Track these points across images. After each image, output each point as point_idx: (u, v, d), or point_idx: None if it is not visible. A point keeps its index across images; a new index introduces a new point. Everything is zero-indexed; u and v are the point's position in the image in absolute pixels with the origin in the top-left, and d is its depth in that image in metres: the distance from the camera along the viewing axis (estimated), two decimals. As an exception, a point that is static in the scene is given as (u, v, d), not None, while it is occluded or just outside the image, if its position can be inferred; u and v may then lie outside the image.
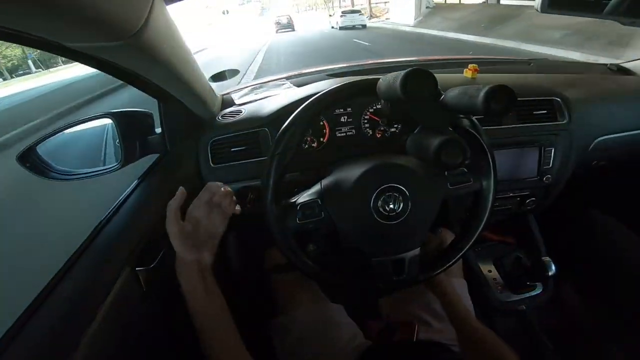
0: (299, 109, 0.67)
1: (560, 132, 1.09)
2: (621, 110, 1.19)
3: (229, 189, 0.74)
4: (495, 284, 1.16)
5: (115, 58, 0.56)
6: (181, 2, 0.64)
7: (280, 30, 23.25)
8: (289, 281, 0.96)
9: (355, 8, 23.87)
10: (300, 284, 0.95)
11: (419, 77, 0.53)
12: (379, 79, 0.62)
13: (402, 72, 0.53)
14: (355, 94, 0.67)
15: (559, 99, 1.10)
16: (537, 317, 1.16)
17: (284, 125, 0.68)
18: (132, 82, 0.70)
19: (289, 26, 23.65)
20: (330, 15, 23.98)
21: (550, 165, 1.11)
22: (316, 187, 0.72)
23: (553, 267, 0.96)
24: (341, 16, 19.82)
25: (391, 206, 0.66)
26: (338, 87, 0.67)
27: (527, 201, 1.16)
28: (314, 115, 0.67)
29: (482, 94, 0.49)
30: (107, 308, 0.56)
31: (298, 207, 0.68)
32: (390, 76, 0.57)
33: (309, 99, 0.68)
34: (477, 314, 0.95)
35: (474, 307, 0.94)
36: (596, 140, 1.16)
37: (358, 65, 1.45)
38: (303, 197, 0.70)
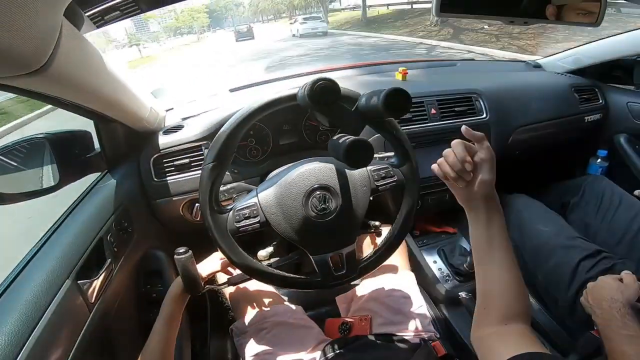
0: (227, 123, 0.70)
1: (481, 126, 1.17)
2: (537, 102, 1.31)
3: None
4: (441, 274, 1.20)
5: (33, 87, 0.57)
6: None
7: (239, 39, 22.80)
8: (245, 289, 0.96)
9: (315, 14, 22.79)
10: (257, 288, 0.96)
11: (323, 85, 0.57)
12: (297, 89, 0.65)
13: (309, 81, 0.58)
14: (279, 104, 0.70)
15: (477, 95, 1.19)
16: None
17: (215, 137, 0.70)
18: (60, 106, 0.70)
19: (249, 34, 23.21)
20: (291, 23, 22.64)
21: None
22: (252, 193, 0.74)
23: None
24: (302, 23, 18.85)
25: (322, 205, 0.71)
26: (261, 100, 0.70)
27: None
28: (240, 128, 0.70)
29: (380, 98, 0.55)
30: (48, 318, 0.55)
31: (235, 212, 0.70)
32: (303, 85, 0.62)
33: (230, 120, 0.71)
34: (429, 306, 1.00)
35: (426, 299, 0.98)
36: (515, 131, 1.26)
37: (297, 74, 1.50)
38: (240, 202, 0.72)
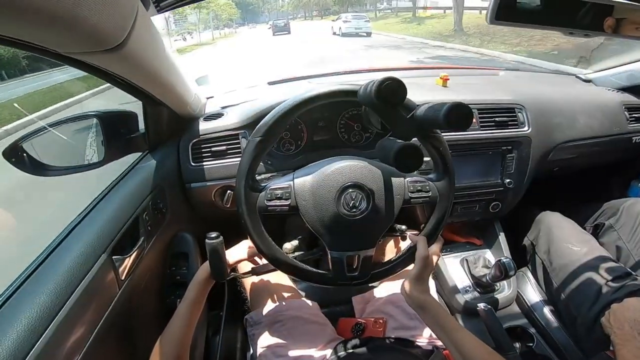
0: (284, 103, 0.70)
1: (521, 139, 1.12)
2: (583, 117, 1.24)
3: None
4: (462, 284, 1.18)
5: (103, 64, 0.60)
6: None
7: (277, 33, 23.03)
8: (264, 280, 0.97)
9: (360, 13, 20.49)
10: (276, 281, 0.97)
11: (391, 85, 0.57)
12: (361, 85, 0.65)
13: (378, 79, 0.58)
14: (338, 96, 0.70)
15: (521, 107, 1.13)
16: (502, 317, 1.16)
17: (269, 114, 0.70)
18: (118, 85, 0.72)
19: (285, 29, 23.45)
20: (333, 20, 20.89)
21: (512, 171, 1.14)
22: (289, 176, 0.74)
23: (513, 267, 0.99)
24: (345, 21, 17.56)
25: (354, 203, 0.70)
26: (324, 88, 0.70)
27: (492, 204, 1.20)
28: (295, 110, 0.70)
29: (443, 110, 0.54)
30: (83, 289, 0.57)
31: (268, 189, 0.71)
32: (369, 82, 0.61)
33: (288, 100, 0.71)
34: None
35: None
36: (557, 147, 1.20)
37: (336, 72, 1.48)
38: (276, 182, 0.73)
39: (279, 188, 0.71)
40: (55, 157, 0.84)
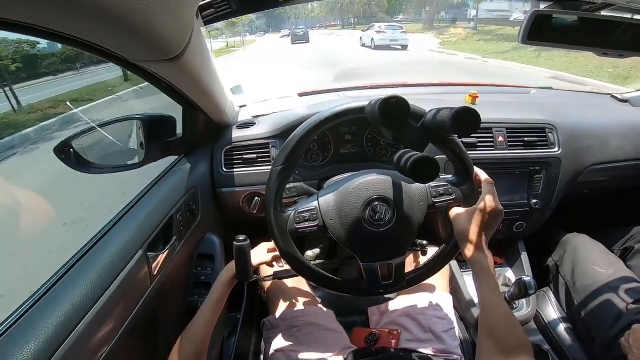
0: (297, 129, 0.72)
1: (551, 160, 1.09)
2: (617, 140, 1.18)
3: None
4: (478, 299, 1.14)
5: (160, 72, 0.64)
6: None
7: (296, 42, 22.06)
8: (284, 286, 0.98)
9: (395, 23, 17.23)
10: (295, 287, 0.98)
11: (394, 104, 0.58)
12: (367, 103, 0.66)
13: (380, 98, 0.58)
14: (348, 114, 0.70)
15: (552, 127, 1.09)
16: None
17: (285, 143, 0.72)
18: (165, 91, 0.77)
19: (304, 38, 22.63)
20: (363, 31, 17.80)
21: (539, 192, 1.11)
22: (313, 197, 0.75)
23: (534, 286, 0.96)
24: (378, 32, 15.03)
25: (379, 215, 0.70)
26: (333, 109, 0.71)
27: (516, 224, 1.16)
28: (310, 134, 0.71)
29: (449, 115, 0.55)
30: (120, 282, 0.60)
31: (296, 214, 0.72)
32: (373, 100, 0.62)
33: (301, 126, 0.72)
34: (460, 329, 0.96)
35: (458, 323, 0.94)
36: (588, 169, 1.15)
37: (367, 87, 1.49)
38: (301, 205, 0.74)
39: (306, 210, 0.72)
40: (99, 156, 0.88)
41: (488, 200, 0.68)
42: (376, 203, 0.71)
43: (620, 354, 0.83)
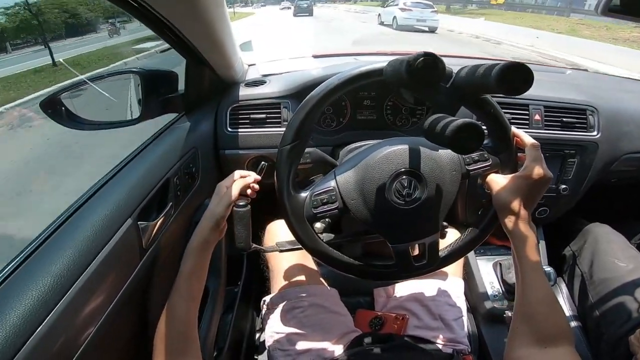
0: (304, 101, 0.62)
1: (588, 145, 0.99)
2: None
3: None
4: (492, 289, 1.09)
5: (169, 15, 0.56)
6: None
7: (298, 14, 20.97)
8: (287, 260, 0.91)
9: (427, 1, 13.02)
10: (298, 261, 0.91)
11: (428, 62, 0.48)
12: (385, 64, 0.56)
13: (408, 56, 0.48)
14: (361, 79, 0.60)
15: (593, 110, 0.99)
16: None
17: (291, 118, 0.62)
18: (166, 37, 0.68)
19: (307, 10, 21.57)
20: (382, 6, 15.34)
21: (570, 177, 1.03)
22: (330, 176, 0.66)
23: (553, 277, 0.90)
24: (403, 9, 12.44)
25: (408, 191, 0.61)
26: (344, 74, 0.61)
27: (540, 209, 1.08)
28: (320, 104, 0.61)
29: (496, 71, 0.46)
30: (104, 256, 0.52)
31: (313, 196, 0.63)
32: (396, 59, 0.52)
33: (305, 100, 0.62)
34: (469, 317, 0.91)
35: (467, 310, 0.89)
36: (623, 156, 1.06)
37: (385, 53, 1.37)
38: (318, 186, 0.65)
39: (323, 192, 0.63)
40: (92, 112, 0.81)
41: (534, 165, 0.59)
42: (404, 177, 0.61)
43: (627, 352, 0.78)
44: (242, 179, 0.69)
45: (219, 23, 0.70)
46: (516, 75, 0.46)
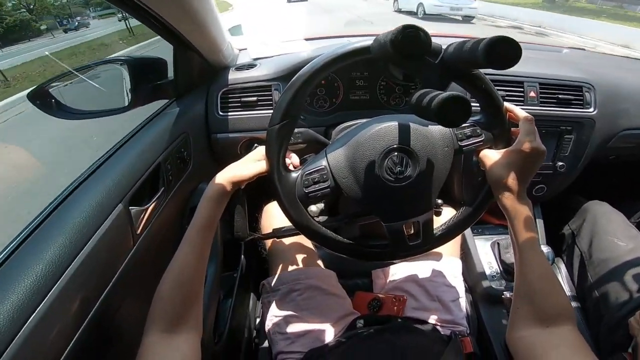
0: (294, 77, 0.60)
1: (584, 121, 0.98)
2: None
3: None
4: (490, 269, 1.08)
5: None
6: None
7: (292, 0, 21.01)
8: (285, 243, 0.91)
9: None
10: (296, 244, 0.91)
11: (411, 33, 0.47)
12: (372, 40, 0.55)
13: (393, 29, 0.47)
14: (349, 57, 0.59)
15: (589, 86, 0.97)
16: None
17: (279, 99, 0.61)
18: (149, 23, 0.66)
19: None
20: None
21: (567, 154, 1.01)
22: (321, 155, 0.65)
23: (551, 257, 0.89)
24: None
25: (399, 168, 0.60)
26: (330, 52, 0.59)
27: (537, 187, 1.07)
28: (308, 84, 0.60)
29: (483, 45, 0.45)
30: (95, 242, 0.52)
31: (304, 176, 0.62)
32: (381, 35, 0.50)
33: (293, 79, 0.61)
34: (467, 297, 0.91)
35: (465, 291, 0.89)
36: (620, 133, 1.04)
37: (378, 34, 1.33)
38: (309, 166, 0.64)
39: (314, 171, 0.62)
40: (81, 102, 0.80)
41: (528, 139, 0.58)
42: (395, 153, 0.60)
43: (627, 334, 0.77)
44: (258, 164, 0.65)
45: (202, 7, 0.68)
46: (504, 49, 0.45)
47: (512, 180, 0.58)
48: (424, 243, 0.65)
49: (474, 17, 10.36)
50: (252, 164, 0.64)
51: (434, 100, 0.45)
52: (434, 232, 0.66)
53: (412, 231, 0.65)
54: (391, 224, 0.63)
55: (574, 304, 1.04)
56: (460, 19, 10.32)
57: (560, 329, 0.51)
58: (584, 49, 1.45)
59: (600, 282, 0.94)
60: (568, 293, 1.07)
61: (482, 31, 8.49)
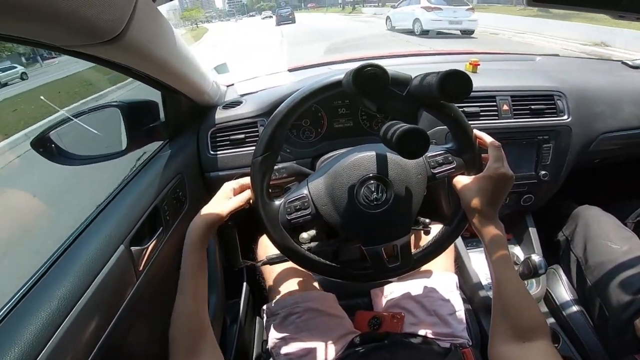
0: (272, 116, 0.64)
1: (560, 129, 1.01)
2: (630, 106, 1.09)
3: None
4: (487, 281, 1.09)
5: (106, 55, 0.56)
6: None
7: (281, 23, 20.60)
8: (281, 270, 0.93)
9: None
10: (293, 271, 0.92)
11: (369, 72, 0.51)
12: (343, 75, 0.58)
13: (354, 68, 0.51)
14: (322, 92, 0.63)
15: (560, 94, 1.01)
16: None
17: (262, 130, 0.65)
18: (131, 75, 0.69)
19: (289, 19, 21.34)
20: (394, 6, 12.03)
21: (548, 162, 1.03)
22: (303, 184, 0.69)
23: (543, 266, 0.90)
24: (429, 9, 9.40)
25: (375, 195, 0.63)
26: (306, 88, 0.64)
27: (524, 197, 1.09)
28: (287, 119, 0.64)
29: (436, 79, 0.48)
30: (97, 285, 0.55)
31: (286, 204, 0.66)
32: (347, 72, 0.54)
33: (274, 113, 0.65)
34: (465, 310, 0.92)
35: (463, 303, 0.90)
36: (600, 137, 1.07)
37: (359, 58, 1.39)
38: (291, 194, 0.68)
39: (296, 199, 0.66)
40: (79, 147, 0.84)
41: (496, 165, 0.61)
42: (371, 182, 0.64)
43: (634, 336, 0.78)
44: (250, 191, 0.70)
45: (176, 58, 0.72)
46: (453, 82, 0.48)
47: (483, 204, 0.62)
48: (403, 265, 0.68)
49: (473, 31, 9.73)
50: (223, 202, 0.69)
51: (395, 134, 0.49)
52: (413, 254, 0.69)
53: (394, 253, 0.68)
54: (370, 248, 0.66)
55: (576, 307, 1.04)
56: (459, 33, 9.72)
57: (535, 344, 0.54)
58: (558, 55, 1.50)
59: (600, 285, 0.95)
60: (570, 298, 1.07)
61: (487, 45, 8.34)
